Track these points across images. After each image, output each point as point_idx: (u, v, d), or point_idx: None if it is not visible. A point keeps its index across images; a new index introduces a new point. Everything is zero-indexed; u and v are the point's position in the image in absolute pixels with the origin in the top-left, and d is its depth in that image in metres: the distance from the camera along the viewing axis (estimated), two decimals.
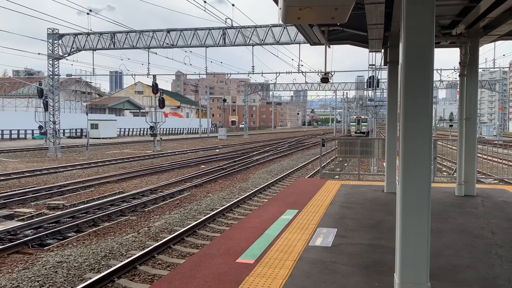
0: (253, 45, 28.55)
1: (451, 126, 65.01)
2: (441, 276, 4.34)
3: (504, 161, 17.58)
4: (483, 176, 14.70)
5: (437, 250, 5.13)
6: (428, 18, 3.33)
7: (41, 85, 34.05)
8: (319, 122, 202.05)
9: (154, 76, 34.15)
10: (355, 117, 69.75)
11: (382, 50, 10.11)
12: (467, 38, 8.27)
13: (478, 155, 12.18)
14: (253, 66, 35.22)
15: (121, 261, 7.10)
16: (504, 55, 64.21)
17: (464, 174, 8.67)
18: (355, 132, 64.35)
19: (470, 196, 8.63)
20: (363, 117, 64.94)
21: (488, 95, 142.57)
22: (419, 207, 3.38)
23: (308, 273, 4.45)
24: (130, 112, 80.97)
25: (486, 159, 19.85)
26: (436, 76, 59.63)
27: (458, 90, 9.36)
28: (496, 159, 17.88)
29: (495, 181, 13.45)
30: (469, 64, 8.45)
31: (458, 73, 9.17)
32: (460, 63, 8.57)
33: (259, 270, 4.57)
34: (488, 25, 8.00)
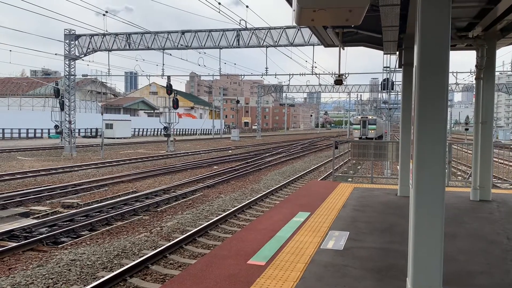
0: (267, 47, 28.53)
1: (466, 129, 63.95)
2: (454, 282, 4.28)
3: None
4: (499, 181, 14.45)
5: (451, 255, 5.06)
6: (444, 20, 3.29)
7: (57, 85, 34.57)
8: (332, 124, 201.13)
9: (169, 77, 34.42)
10: (359, 117, 51.08)
11: (397, 52, 10.02)
12: (483, 41, 8.14)
13: (494, 159, 11.98)
14: (266, 68, 35.37)
15: (134, 260, 7.16)
16: None
17: (480, 179, 8.54)
18: (360, 138, 46.29)
19: (486, 201, 8.49)
20: (370, 117, 49.86)
21: (505, 98, 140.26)
22: (433, 211, 3.33)
23: (320, 276, 4.43)
24: (144, 112, 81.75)
25: (502, 163, 19.52)
26: (452, 79, 58.61)
27: (474, 93, 9.23)
28: None
29: (511, 186, 13.22)
30: (485, 67, 8.32)
31: (474, 76, 9.04)
32: (476, 66, 8.44)
33: (270, 272, 4.56)
34: (505, 28, 7.87)
